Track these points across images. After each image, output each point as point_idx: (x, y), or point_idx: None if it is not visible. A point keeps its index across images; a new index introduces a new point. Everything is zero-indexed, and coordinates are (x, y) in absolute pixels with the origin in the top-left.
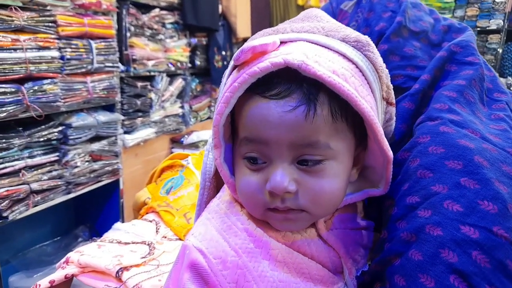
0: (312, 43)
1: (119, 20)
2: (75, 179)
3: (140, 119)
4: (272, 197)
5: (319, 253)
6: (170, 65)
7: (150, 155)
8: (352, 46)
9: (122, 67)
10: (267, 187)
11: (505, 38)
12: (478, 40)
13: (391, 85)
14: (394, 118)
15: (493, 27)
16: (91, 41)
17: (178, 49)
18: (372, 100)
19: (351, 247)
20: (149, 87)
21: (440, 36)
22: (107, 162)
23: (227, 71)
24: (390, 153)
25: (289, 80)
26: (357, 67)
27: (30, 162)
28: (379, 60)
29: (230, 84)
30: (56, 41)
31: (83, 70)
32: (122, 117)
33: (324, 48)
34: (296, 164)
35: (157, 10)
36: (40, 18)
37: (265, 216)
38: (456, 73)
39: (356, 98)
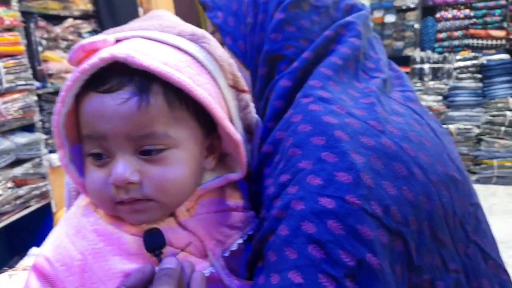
0: (146, 39)
1: (28, 35)
2: None
3: None
4: (117, 190)
5: (178, 240)
6: None
7: None
8: (188, 39)
9: (37, 84)
10: (110, 180)
11: (421, 14)
12: (397, 18)
13: (238, 73)
14: (252, 104)
15: (410, 5)
16: None
17: None
18: (213, 88)
19: (214, 229)
20: None
21: (341, 14)
22: (33, 185)
23: None
24: (238, 136)
25: (121, 74)
26: (194, 58)
27: None
28: (218, 50)
29: (65, 84)
30: None
31: None
32: (45, 136)
33: (159, 43)
34: (139, 155)
35: (70, 20)
36: None
37: (115, 211)
38: (335, 51)
39: (189, 86)
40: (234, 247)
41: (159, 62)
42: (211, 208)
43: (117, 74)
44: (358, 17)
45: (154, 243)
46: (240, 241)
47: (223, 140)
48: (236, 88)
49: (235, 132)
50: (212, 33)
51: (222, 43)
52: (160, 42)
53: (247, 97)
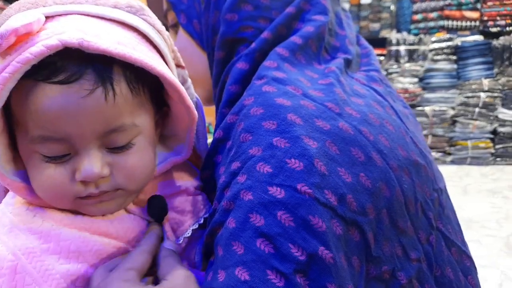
0: (84, 15)
1: None
2: None
3: None
4: (85, 186)
5: (126, 230)
6: None
7: None
8: (127, 12)
9: None
10: (79, 178)
11: None
12: (374, 0)
13: (175, 48)
14: (189, 80)
15: None
16: None
17: None
18: (163, 63)
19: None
20: None
21: None
22: None
23: None
24: (195, 112)
25: (77, 60)
26: (139, 33)
27: None
28: (158, 22)
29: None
30: None
31: None
32: None
33: (99, 19)
34: (106, 148)
35: None
36: None
37: (75, 205)
38: (300, 30)
39: (150, 63)
40: (188, 234)
41: (114, 42)
42: (160, 193)
43: (69, 60)
44: None
45: (159, 209)
46: (195, 226)
47: (174, 118)
48: (176, 64)
49: (194, 108)
50: (167, 12)
51: (177, 23)
52: (101, 18)
53: (185, 72)
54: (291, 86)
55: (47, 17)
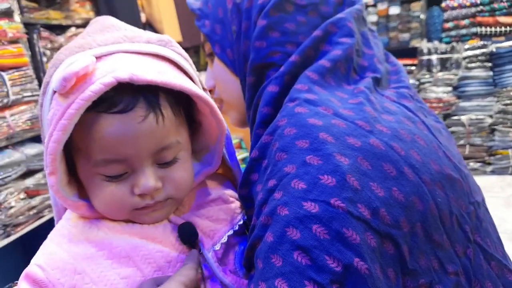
0: (125, 52)
1: (32, 46)
2: (12, 220)
3: None
4: (142, 198)
5: (168, 235)
6: None
7: None
8: (158, 45)
9: None
10: (137, 192)
11: (426, 4)
12: (402, 10)
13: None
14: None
15: None
16: (3, 73)
17: None
18: (194, 84)
19: (202, 223)
20: None
21: (333, 8)
22: (46, 195)
23: (43, 98)
24: (225, 124)
25: (130, 92)
26: (171, 63)
27: None
28: (183, 52)
29: (63, 111)
30: None
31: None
32: None
33: (137, 54)
34: (157, 165)
35: (73, 29)
36: None
37: (130, 216)
38: (328, 53)
39: (189, 87)
40: (224, 240)
41: (156, 73)
42: (196, 203)
43: (123, 93)
44: (349, 12)
45: (188, 236)
46: (230, 233)
47: (203, 133)
48: (203, 87)
49: (224, 120)
50: (203, 43)
51: (212, 52)
52: (138, 53)
53: (209, 95)
54: (322, 107)
55: (97, 57)
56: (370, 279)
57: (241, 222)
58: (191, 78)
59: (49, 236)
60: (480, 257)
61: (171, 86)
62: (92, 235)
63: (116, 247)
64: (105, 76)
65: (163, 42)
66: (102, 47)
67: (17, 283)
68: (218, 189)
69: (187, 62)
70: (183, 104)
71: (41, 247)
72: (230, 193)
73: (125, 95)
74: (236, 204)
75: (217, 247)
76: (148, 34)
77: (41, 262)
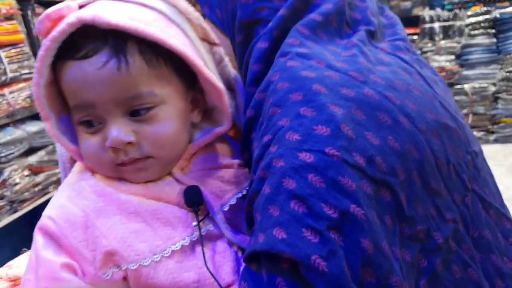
0: (110, 0)
1: (26, 23)
2: (18, 197)
3: None
4: (116, 153)
5: (176, 195)
6: None
7: None
8: None
9: None
10: (107, 144)
11: None
12: None
13: (206, 26)
14: (226, 58)
15: None
16: None
17: None
18: (184, 39)
19: (211, 184)
20: None
21: None
22: (50, 172)
23: None
24: (219, 84)
25: (94, 38)
26: (160, 13)
27: None
28: (182, 3)
29: (39, 54)
30: None
31: None
32: None
33: (123, 2)
34: (129, 117)
35: None
36: None
37: (117, 172)
38: (318, 6)
39: (162, 37)
40: (233, 202)
41: (126, 18)
42: (205, 165)
43: (90, 38)
44: None
45: (194, 199)
46: (239, 195)
47: (206, 92)
48: (207, 41)
49: (216, 80)
50: (193, 5)
51: (202, 14)
52: (124, 2)
53: (221, 50)
54: (315, 60)
55: (81, 6)
56: (366, 224)
57: (248, 188)
58: (185, 33)
59: (59, 188)
60: (478, 206)
61: (139, 34)
62: (99, 188)
63: (124, 203)
64: (71, 16)
65: None
66: None
67: (25, 250)
68: (230, 157)
69: (180, 15)
70: (172, 58)
71: (52, 199)
72: (240, 162)
73: (89, 41)
74: (246, 170)
75: (226, 208)
76: None
77: (52, 215)
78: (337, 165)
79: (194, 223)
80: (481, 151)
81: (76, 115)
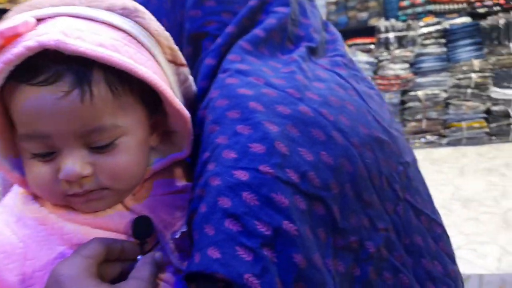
0: (74, 17)
1: None
2: None
3: None
4: (69, 185)
5: (125, 224)
6: None
7: None
8: (120, 14)
9: None
10: (61, 177)
11: None
12: None
13: (175, 46)
14: (190, 77)
15: None
16: None
17: None
18: (154, 64)
19: (163, 211)
20: None
21: None
22: None
23: None
24: (186, 112)
25: (57, 62)
26: (129, 35)
27: None
28: (153, 24)
29: None
30: None
31: None
32: None
33: (88, 20)
34: (87, 148)
35: None
36: None
37: (66, 202)
38: (262, 22)
39: (132, 66)
40: (184, 229)
41: (94, 44)
42: (160, 190)
43: (50, 62)
44: None
45: (143, 231)
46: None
47: (170, 117)
48: (174, 62)
49: (184, 108)
50: None
51: None
52: (90, 20)
53: (186, 70)
54: (254, 76)
55: (39, 20)
56: (299, 239)
57: None
58: (154, 57)
59: None
60: (410, 213)
61: (109, 63)
62: (42, 215)
63: (68, 233)
64: (30, 39)
65: (126, 11)
66: (50, 8)
67: None
68: (185, 181)
69: (148, 37)
70: (138, 85)
71: None
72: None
73: (50, 66)
74: None
75: (177, 235)
76: (113, 0)
77: None
78: (270, 182)
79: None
80: (414, 161)
81: (25, 144)
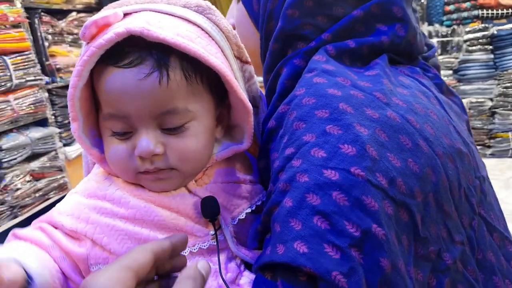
0: (155, 11)
1: (33, 31)
2: (19, 202)
3: None
4: (142, 161)
5: (186, 206)
6: None
7: None
8: (194, 11)
9: (46, 79)
10: (136, 153)
11: None
12: None
13: (242, 44)
14: (255, 76)
15: None
16: (5, 57)
17: None
18: (222, 57)
19: (223, 197)
20: None
21: None
22: (51, 178)
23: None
24: (249, 104)
25: (139, 48)
26: (202, 29)
27: None
28: (223, 21)
29: (80, 58)
30: None
31: (3, 88)
32: (58, 130)
33: (167, 15)
34: (161, 129)
35: (74, 14)
36: None
37: (137, 179)
38: (362, 34)
39: (204, 55)
40: (242, 216)
41: (173, 33)
42: (221, 178)
43: (134, 48)
44: None
45: (211, 210)
46: (248, 210)
47: (233, 110)
48: (240, 59)
49: (247, 100)
50: None
51: None
52: (169, 14)
53: (251, 68)
54: (340, 77)
55: (126, 14)
56: (386, 244)
57: (259, 203)
58: (223, 50)
59: (78, 185)
60: (484, 229)
61: (184, 50)
62: (110, 191)
63: (132, 208)
64: (119, 27)
65: (200, 8)
66: (136, 5)
67: None
68: (245, 173)
69: (220, 33)
70: (208, 75)
71: (66, 195)
72: (252, 179)
73: (134, 51)
74: (258, 186)
75: (235, 222)
76: None
77: (60, 208)
78: (361, 185)
79: (212, 232)
80: (487, 176)
81: (108, 122)
